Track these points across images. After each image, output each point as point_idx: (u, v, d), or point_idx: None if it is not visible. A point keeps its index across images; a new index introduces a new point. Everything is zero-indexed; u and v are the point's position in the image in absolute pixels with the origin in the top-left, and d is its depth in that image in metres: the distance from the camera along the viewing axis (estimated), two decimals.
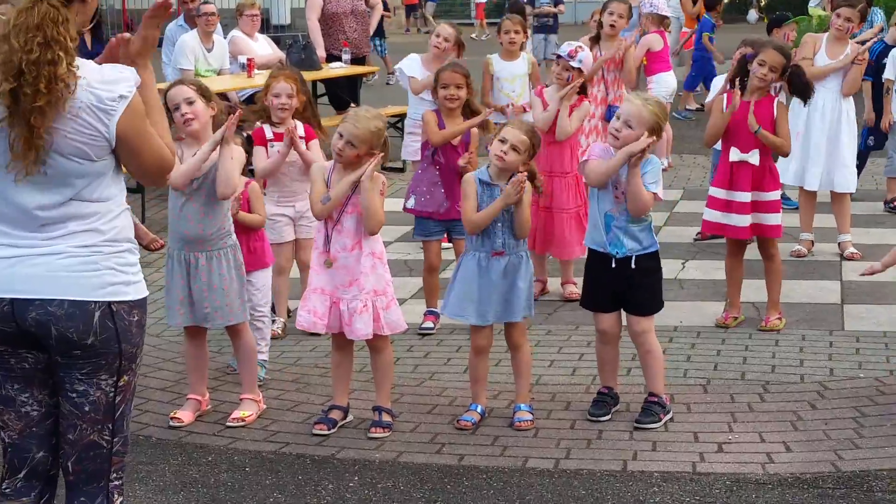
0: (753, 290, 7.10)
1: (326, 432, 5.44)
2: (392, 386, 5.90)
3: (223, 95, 11.17)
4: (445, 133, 6.71)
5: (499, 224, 5.37)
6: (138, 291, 3.39)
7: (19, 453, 3.43)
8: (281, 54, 12.01)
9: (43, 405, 3.42)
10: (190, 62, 11.40)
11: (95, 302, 3.27)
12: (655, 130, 5.29)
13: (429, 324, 6.88)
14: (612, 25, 8.75)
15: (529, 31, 12.17)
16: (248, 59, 11.16)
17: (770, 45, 6.78)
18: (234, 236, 5.62)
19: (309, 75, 11.30)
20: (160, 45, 13.38)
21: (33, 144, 3.15)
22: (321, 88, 12.75)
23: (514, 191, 5.24)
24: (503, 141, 5.35)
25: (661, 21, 12.14)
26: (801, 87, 6.70)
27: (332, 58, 12.12)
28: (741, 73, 6.71)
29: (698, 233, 8.77)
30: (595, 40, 8.90)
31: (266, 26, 27.80)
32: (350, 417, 5.59)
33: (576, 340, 6.64)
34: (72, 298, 3.25)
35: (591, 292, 5.61)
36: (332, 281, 5.37)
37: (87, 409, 3.36)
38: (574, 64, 7.15)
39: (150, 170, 3.40)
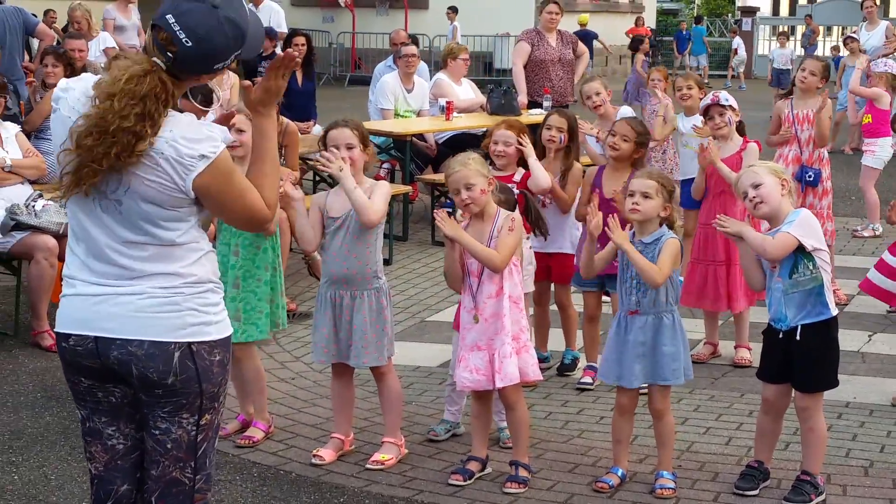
0: None
1: (462, 483, 5.37)
2: (537, 441, 5.82)
3: (420, 136, 11.34)
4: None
5: (634, 282, 5.24)
6: (220, 331, 3.41)
7: (105, 486, 3.49)
8: (482, 99, 12.09)
9: (129, 439, 3.47)
10: (390, 102, 11.60)
11: (176, 342, 3.31)
12: (779, 172, 5.18)
13: (587, 379, 6.73)
14: (802, 80, 8.47)
15: None
16: (448, 102, 11.25)
17: None
18: (382, 279, 5.62)
19: None
20: (366, 84, 13.69)
21: (79, 185, 3.25)
22: None
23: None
24: (632, 194, 5.27)
25: (893, 82, 11.73)
26: None
27: (534, 104, 12.09)
28: None
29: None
30: (787, 95, 8.67)
31: (489, 69, 28.23)
32: (488, 469, 5.50)
33: (737, 409, 6.38)
34: (152, 339, 3.30)
35: (762, 362, 5.35)
36: (485, 334, 5.30)
37: (169, 446, 3.39)
38: (723, 102, 7.06)
39: (237, 222, 3.53)
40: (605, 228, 5.22)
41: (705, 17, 38.35)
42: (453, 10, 27.08)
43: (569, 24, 13.01)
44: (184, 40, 3.22)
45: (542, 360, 6.92)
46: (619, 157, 6.52)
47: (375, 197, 5.46)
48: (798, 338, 5.09)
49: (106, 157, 3.18)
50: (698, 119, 8.39)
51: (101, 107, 3.19)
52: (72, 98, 3.30)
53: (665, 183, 5.30)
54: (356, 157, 5.49)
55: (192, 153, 3.23)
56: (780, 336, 5.14)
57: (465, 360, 5.32)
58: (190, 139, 3.24)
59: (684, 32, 34.77)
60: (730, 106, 7.11)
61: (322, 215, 5.57)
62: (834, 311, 5.15)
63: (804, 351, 5.10)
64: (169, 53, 3.24)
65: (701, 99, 8.55)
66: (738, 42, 33.48)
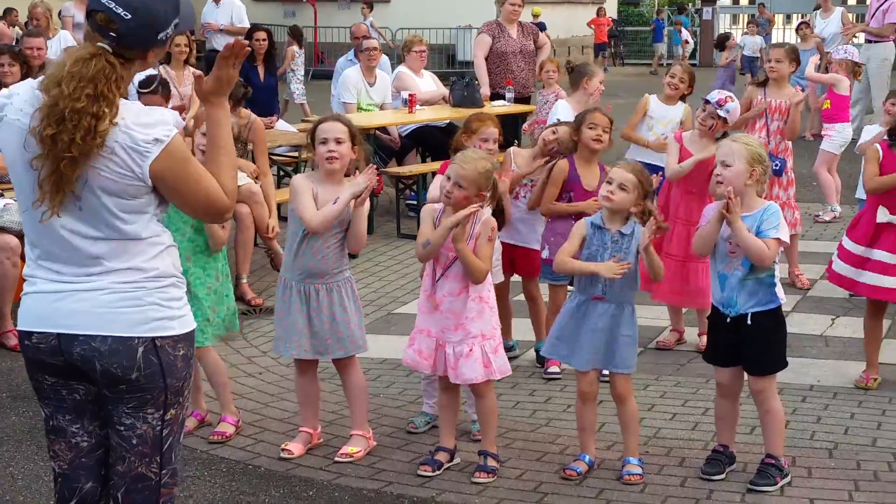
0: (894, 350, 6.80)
1: (431, 474, 5.39)
2: (505, 430, 5.84)
3: (383, 130, 11.34)
4: (558, 208, 6.62)
5: None
6: (183, 325, 3.40)
7: (69, 483, 3.49)
8: (445, 91, 12.07)
9: (93, 436, 3.47)
10: (353, 96, 11.60)
11: (139, 338, 3.30)
12: (755, 160, 5.12)
13: (554, 368, 6.76)
14: (772, 70, 8.50)
15: None
16: (410, 95, 11.25)
17: None
18: (349, 270, 5.63)
19: (471, 112, 11.36)
20: (330, 78, 13.68)
21: (61, 188, 3.20)
22: None
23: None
24: (610, 182, 5.26)
25: (854, 68, 11.82)
26: None
27: (496, 96, 12.10)
28: None
29: None
30: (762, 84, 8.68)
31: (452, 62, 28.23)
32: (457, 460, 5.52)
33: (703, 394, 6.42)
34: (115, 335, 3.29)
35: (712, 346, 5.44)
36: (438, 324, 5.33)
37: (134, 442, 3.39)
38: (721, 113, 6.97)
39: (196, 211, 3.43)
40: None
41: (689, 7, 38.21)
42: (368, 5, 26.51)
43: (524, 15, 13.01)
44: (122, 14, 3.23)
45: (508, 348, 6.96)
46: (601, 149, 6.60)
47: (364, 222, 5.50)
48: (749, 322, 5.15)
49: (73, 144, 3.14)
50: (676, 110, 8.37)
51: (51, 95, 3.17)
52: (17, 102, 3.29)
53: (644, 181, 5.29)
54: (344, 153, 5.47)
55: (146, 138, 3.22)
56: (728, 321, 5.20)
57: (414, 339, 5.40)
58: (143, 124, 3.23)
59: (661, 21, 34.73)
60: (722, 118, 7.05)
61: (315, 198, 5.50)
62: (782, 300, 5.25)
63: (754, 335, 5.17)
64: (111, 34, 3.24)
65: (687, 94, 8.49)
66: (686, 34, 33.79)
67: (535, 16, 27.55)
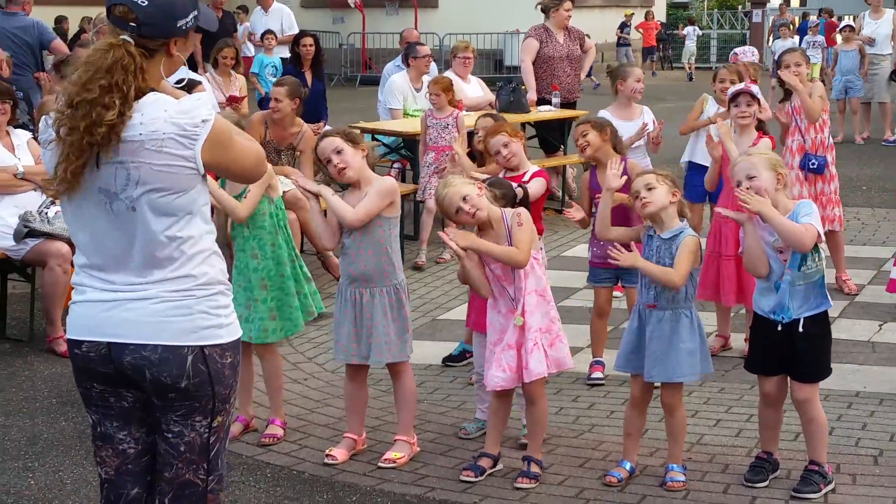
0: None
1: (473, 479, 5.41)
2: (548, 436, 5.86)
3: None
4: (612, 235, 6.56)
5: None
6: (231, 333, 3.45)
7: (115, 490, 3.54)
8: (492, 97, 12.10)
9: (140, 443, 3.52)
10: (399, 102, 11.64)
11: (188, 346, 3.34)
12: (777, 165, 5.14)
13: (598, 374, 6.77)
14: (796, 74, 8.50)
15: None
16: (457, 101, 11.24)
17: None
18: (400, 276, 5.65)
19: (518, 117, 11.40)
20: (377, 84, 13.72)
21: (68, 172, 3.25)
22: (531, 131, 12.76)
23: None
24: (636, 194, 5.32)
25: (754, 74, 11.88)
26: None
27: (542, 101, 12.11)
28: None
29: None
30: (789, 93, 8.69)
31: (499, 67, 28.23)
32: (500, 466, 5.54)
33: (748, 400, 6.39)
34: (165, 343, 3.32)
35: (756, 355, 5.37)
36: (515, 332, 5.34)
37: (182, 449, 3.44)
38: (756, 93, 7.03)
39: (249, 166, 3.48)
40: (612, 254, 5.24)
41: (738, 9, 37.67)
42: (243, 9, 25.51)
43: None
44: (138, 1, 3.27)
45: None
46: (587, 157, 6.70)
47: (366, 199, 5.48)
48: (801, 329, 5.12)
49: (81, 131, 3.19)
50: None
51: (68, 83, 3.24)
52: None
53: (661, 173, 5.37)
54: (348, 158, 5.51)
55: (193, 121, 3.27)
56: (779, 329, 5.16)
57: (498, 360, 5.35)
58: (186, 111, 3.28)
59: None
60: (758, 99, 7.07)
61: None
62: (831, 302, 5.23)
63: (807, 342, 5.13)
64: (131, 24, 3.28)
65: None
66: (689, 31, 33.53)
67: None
